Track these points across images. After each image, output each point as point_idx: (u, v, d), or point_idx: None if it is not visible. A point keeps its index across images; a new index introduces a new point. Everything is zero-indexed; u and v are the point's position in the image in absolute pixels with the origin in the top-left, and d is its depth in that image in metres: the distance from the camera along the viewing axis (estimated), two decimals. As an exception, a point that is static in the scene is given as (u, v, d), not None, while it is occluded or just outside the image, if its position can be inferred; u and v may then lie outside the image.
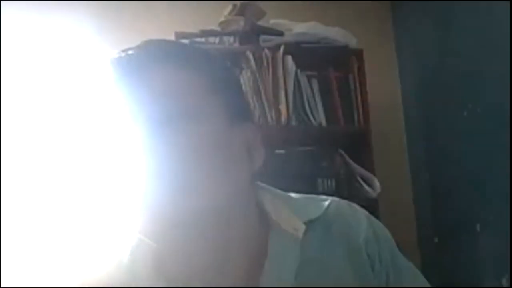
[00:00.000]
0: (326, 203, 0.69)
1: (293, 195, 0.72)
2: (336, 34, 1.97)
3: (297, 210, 0.67)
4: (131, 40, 2.25)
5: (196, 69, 0.63)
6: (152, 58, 0.62)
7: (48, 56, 2.16)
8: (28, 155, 2.05)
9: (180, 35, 1.94)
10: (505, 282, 1.57)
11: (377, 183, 1.82)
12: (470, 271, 1.80)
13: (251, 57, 1.88)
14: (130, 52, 0.65)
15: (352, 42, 2.01)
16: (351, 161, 1.92)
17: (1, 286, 1.79)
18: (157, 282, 0.63)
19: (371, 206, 1.69)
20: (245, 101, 0.72)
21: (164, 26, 2.14)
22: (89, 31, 2.12)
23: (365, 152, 1.93)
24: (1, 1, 2.05)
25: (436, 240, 2.05)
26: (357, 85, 1.97)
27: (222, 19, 1.95)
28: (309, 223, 0.65)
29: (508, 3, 1.57)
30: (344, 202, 0.72)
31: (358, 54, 2.01)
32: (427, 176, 2.17)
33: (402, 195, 2.25)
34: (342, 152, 1.95)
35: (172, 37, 1.94)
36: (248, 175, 0.64)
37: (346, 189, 1.86)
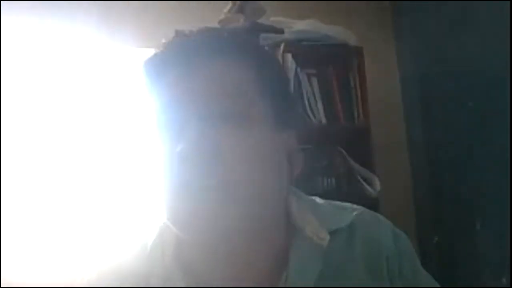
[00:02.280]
0: (354, 213, 0.69)
1: (318, 200, 0.71)
2: (336, 32, 1.97)
3: (323, 218, 0.66)
4: (132, 38, 2.25)
5: (253, 68, 0.60)
6: (209, 50, 0.59)
7: (49, 56, 2.16)
8: (45, 152, 2.06)
9: (180, 33, 1.93)
10: (505, 281, 1.57)
11: (377, 181, 1.82)
12: (470, 271, 1.80)
13: (250, 55, 1.87)
14: (183, 41, 0.63)
15: (352, 40, 2.01)
16: (351, 160, 1.92)
17: (1, 286, 1.79)
18: (174, 272, 0.62)
19: (371, 205, 1.69)
20: (291, 106, 0.68)
21: (164, 24, 2.14)
22: (89, 31, 2.12)
23: (365, 151, 1.92)
24: (1, 1, 2.04)
25: (436, 239, 2.05)
26: (357, 83, 1.97)
27: (222, 17, 1.94)
28: (333, 233, 0.64)
29: (508, 3, 1.56)
30: (370, 214, 0.71)
31: (358, 52, 2.01)
32: (427, 175, 2.16)
33: (402, 194, 2.25)
34: (342, 151, 1.95)
35: (171, 35, 1.93)
36: (287, 182, 0.63)
37: (346, 188, 1.86)
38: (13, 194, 1.99)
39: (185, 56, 0.59)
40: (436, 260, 1.98)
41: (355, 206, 0.71)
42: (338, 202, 0.72)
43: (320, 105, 1.91)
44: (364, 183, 1.84)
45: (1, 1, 2.03)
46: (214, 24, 1.94)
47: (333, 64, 1.98)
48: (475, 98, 1.79)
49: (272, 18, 1.99)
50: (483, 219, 1.74)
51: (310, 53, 1.94)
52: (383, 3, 2.46)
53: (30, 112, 2.09)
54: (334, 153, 1.91)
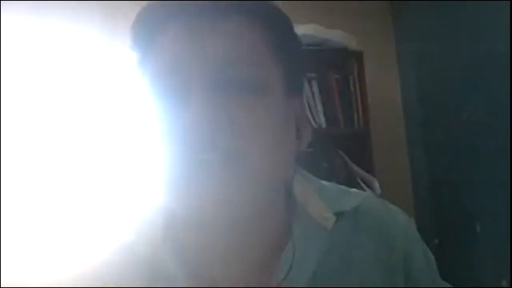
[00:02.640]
0: (360, 197, 0.65)
1: (325, 182, 0.66)
2: (336, 36, 1.98)
3: (329, 199, 0.62)
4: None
5: (266, 29, 0.54)
6: (218, 5, 0.52)
7: (50, 57, 2.17)
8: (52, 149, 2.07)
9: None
10: (505, 283, 1.57)
11: (377, 184, 1.83)
12: (470, 272, 1.81)
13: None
14: None
15: (352, 44, 2.02)
16: (351, 163, 1.93)
17: (1, 286, 1.79)
18: (164, 252, 0.59)
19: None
20: (301, 71, 0.63)
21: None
22: (89, 32, 2.13)
23: (365, 154, 1.93)
24: (1, 1, 2.05)
25: (436, 240, 2.05)
26: (357, 86, 1.98)
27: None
28: (338, 214, 0.60)
29: (508, 3, 1.57)
30: (377, 199, 0.69)
31: (358, 56, 2.02)
32: (427, 176, 2.17)
33: (402, 196, 2.26)
34: (342, 154, 1.95)
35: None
36: (295, 153, 0.58)
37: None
38: (13, 193, 2.00)
39: (190, 9, 0.52)
40: (436, 260, 1.98)
41: (361, 191, 0.68)
42: (343, 186, 0.67)
43: (320, 108, 1.92)
44: (364, 186, 1.85)
45: (1, 1, 2.04)
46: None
47: (333, 68, 1.99)
48: (475, 99, 1.80)
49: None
50: (483, 221, 1.74)
51: (310, 57, 1.95)
52: (383, 7, 2.47)
53: (31, 113, 2.09)
54: (334, 156, 1.92)
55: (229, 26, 0.52)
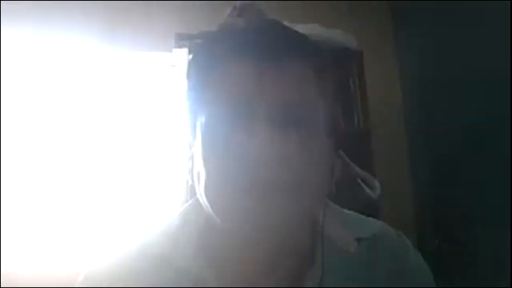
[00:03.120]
0: (377, 225, 0.72)
1: (345, 210, 0.73)
2: (336, 36, 1.98)
3: (348, 225, 0.69)
4: (132, 40, 2.27)
5: (315, 70, 0.60)
6: (277, 45, 0.58)
7: (50, 59, 2.17)
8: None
9: (180, 36, 1.94)
10: (505, 283, 1.57)
11: (377, 184, 1.82)
12: (470, 271, 1.80)
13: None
14: (247, 30, 0.61)
15: (352, 44, 2.02)
16: (351, 163, 1.92)
17: (1, 286, 1.79)
18: (197, 257, 0.63)
19: (371, 207, 1.70)
20: (339, 112, 0.69)
21: (164, 27, 2.15)
22: (89, 32, 2.13)
23: (365, 154, 1.93)
24: (1, 1, 2.05)
25: (436, 240, 2.05)
26: (357, 86, 1.98)
27: (222, 20, 1.94)
28: (359, 240, 0.68)
29: (508, 3, 1.57)
30: (392, 229, 0.75)
31: (358, 56, 2.01)
32: (427, 176, 2.17)
33: (402, 195, 2.26)
34: (342, 154, 1.95)
35: (172, 39, 1.95)
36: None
37: (346, 191, 1.86)
38: (15, 192, 2.00)
39: (253, 46, 0.58)
40: (436, 262, 1.98)
41: (376, 220, 0.74)
42: (360, 214, 0.74)
43: (320, 108, 1.92)
44: (365, 186, 1.84)
45: (1, 1, 2.04)
46: (215, 28, 1.95)
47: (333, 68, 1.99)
48: (475, 101, 1.80)
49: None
50: (483, 221, 1.74)
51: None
52: (383, 7, 2.47)
53: (31, 114, 2.10)
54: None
55: (292, 67, 0.58)
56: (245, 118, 0.56)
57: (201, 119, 0.60)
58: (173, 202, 1.90)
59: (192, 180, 0.64)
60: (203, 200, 0.60)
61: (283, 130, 0.55)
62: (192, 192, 1.84)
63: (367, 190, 1.83)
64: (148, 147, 2.20)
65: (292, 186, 0.55)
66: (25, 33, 2.10)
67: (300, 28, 2.12)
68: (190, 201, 0.71)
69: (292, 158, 0.55)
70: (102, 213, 2.08)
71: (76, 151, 2.12)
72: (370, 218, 0.74)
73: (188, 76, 0.64)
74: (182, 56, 1.85)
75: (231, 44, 0.59)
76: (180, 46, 1.89)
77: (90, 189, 2.10)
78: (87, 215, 2.07)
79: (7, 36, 2.06)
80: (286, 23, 0.65)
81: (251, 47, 0.58)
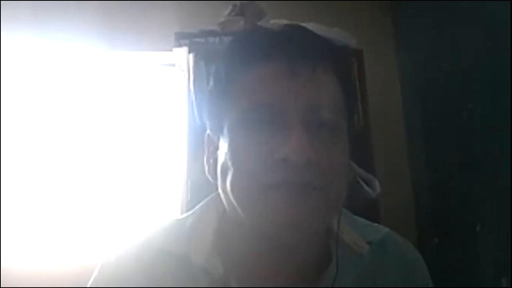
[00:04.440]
0: (385, 230, 0.75)
1: (353, 215, 0.76)
2: (336, 34, 1.97)
3: (359, 229, 0.72)
4: (131, 40, 2.27)
5: (340, 77, 0.63)
6: (309, 51, 0.60)
7: (50, 59, 2.17)
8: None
9: (179, 35, 1.94)
10: (505, 282, 1.57)
11: (377, 183, 1.82)
12: (470, 271, 1.80)
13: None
14: (281, 34, 0.62)
15: (352, 42, 2.01)
16: (351, 162, 1.92)
17: (1, 286, 1.79)
18: (212, 254, 0.64)
19: (371, 207, 1.69)
20: (355, 114, 0.72)
21: (163, 26, 2.15)
22: (89, 32, 2.13)
23: (365, 153, 1.92)
24: (1, 1, 2.05)
25: (436, 240, 2.05)
26: (357, 86, 1.97)
27: (222, 19, 1.94)
28: (368, 243, 0.70)
29: (508, 3, 1.57)
30: (398, 235, 0.78)
31: (357, 54, 2.01)
32: (427, 176, 2.17)
33: (402, 195, 2.26)
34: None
35: (171, 37, 1.95)
36: None
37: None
38: (15, 191, 2.00)
39: (283, 49, 0.59)
40: (436, 261, 1.98)
41: (380, 225, 0.77)
42: (364, 219, 0.77)
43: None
44: (364, 185, 1.84)
45: (1, 1, 2.04)
46: (214, 27, 1.95)
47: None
48: (475, 100, 1.79)
49: (273, 21, 1.99)
50: (483, 221, 1.74)
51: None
52: (383, 6, 2.47)
53: (31, 114, 2.10)
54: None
55: (322, 72, 0.60)
56: (279, 121, 0.58)
57: (230, 118, 0.61)
58: (173, 202, 1.90)
59: (214, 178, 0.65)
60: (226, 197, 0.62)
61: (314, 133, 0.58)
62: (193, 192, 1.83)
63: (367, 189, 1.83)
64: (149, 146, 2.20)
65: (321, 187, 0.58)
66: (25, 35, 2.10)
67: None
68: (206, 199, 0.72)
69: (322, 160, 0.57)
70: (102, 212, 2.08)
71: (77, 151, 2.12)
72: (376, 224, 0.77)
73: (216, 73, 0.64)
74: (182, 55, 1.85)
75: (263, 46, 0.61)
76: (180, 45, 1.89)
77: (91, 188, 2.10)
78: (88, 213, 2.07)
79: (6, 38, 2.06)
80: (285, 21, 0.66)
81: (282, 50, 0.59)
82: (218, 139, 0.64)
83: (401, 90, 2.40)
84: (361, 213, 0.78)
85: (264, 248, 0.63)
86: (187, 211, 0.74)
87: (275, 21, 1.99)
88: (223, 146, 0.62)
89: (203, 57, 1.80)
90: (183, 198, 1.69)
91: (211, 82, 0.65)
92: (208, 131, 0.68)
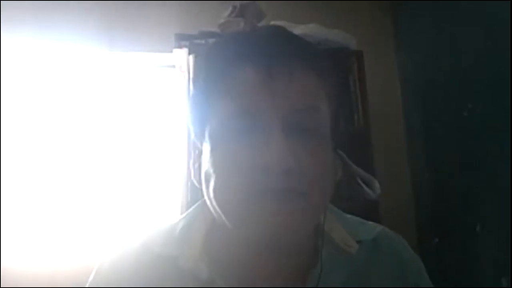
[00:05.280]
0: (378, 229, 0.74)
1: (346, 214, 0.75)
2: (336, 35, 1.97)
3: (350, 228, 0.71)
4: (131, 42, 2.27)
5: (322, 77, 0.61)
6: (288, 52, 0.59)
7: (50, 59, 2.17)
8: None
9: (179, 37, 1.94)
10: (505, 282, 1.57)
11: (376, 184, 1.82)
12: (470, 271, 1.80)
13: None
14: (259, 36, 0.61)
15: (352, 43, 2.02)
16: (350, 163, 1.92)
17: (1, 286, 1.79)
18: (202, 259, 0.64)
19: (370, 207, 1.69)
20: (340, 117, 0.70)
21: (163, 27, 2.15)
22: (88, 34, 2.13)
23: (365, 154, 1.93)
24: (1, 1, 2.05)
25: (436, 240, 2.05)
26: (357, 86, 1.97)
27: (222, 20, 1.94)
28: (358, 243, 0.69)
29: (508, 3, 1.57)
30: (393, 232, 0.77)
31: (358, 55, 2.01)
32: (427, 176, 2.17)
33: (402, 195, 2.25)
34: (342, 154, 1.95)
35: (171, 39, 1.95)
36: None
37: (345, 191, 1.86)
38: (15, 191, 2.00)
39: (261, 52, 0.58)
40: (436, 261, 1.98)
41: (377, 224, 0.76)
42: (360, 218, 0.76)
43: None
44: (364, 186, 1.84)
45: (1, 1, 2.04)
46: (214, 28, 1.95)
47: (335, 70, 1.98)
48: (475, 100, 1.79)
49: (272, 22, 2.00)
50: (483, 221, 1.74)
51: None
52: (383, 6, 2.47)
53: (31, 113, 2.10)
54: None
55: (300, 73, 0.58)
56: (259, 128, 0.57)
57: (211, 125, 0.60)
58: (173, 202, 1.90)
59: (199, 183, 0.65)
60: (211, 203, 0.61)
61: (296, 139, 0.57)
62: (193, 192, 1.83)
63: (367, 190, 1.83)
64: (149, 147, 2.20)
65: (304, 192, 0.57)
66: (25, 35, 2.10)
67: (300, 28, 2.12)
68: (198, 203, 0.73)
69: (304, 166, 0.57)
70: (102, 212, 2.08)
71: (77, 151, 2.12)
72: (371, 222, 0.76)
73: (196, 80, 0.66)
74: (182, 57, 1.85)
75: (240, 50, 0.60)
76: (180, 46, 1.89)
77: (91, 188, 2.10)
78: (88, 214, 2.07)
79: (6, 38, 2.06)
80: (285, 22, 0.66)
81: (258, 53, 0.58)
82: (201, 143, 0.64)
83: (401, 90, 2.40)
84: (361, 213, 0.78)
85: (251, 253, 0.64)
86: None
87: (275, 23, 2.00)
88: (206, 152, 0.61)
89: (203, 58, 1.80)
90: (183, 199, 1.69)
91: (192, 89, 0.65)
92: (192, 136, 0.67)
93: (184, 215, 0.72)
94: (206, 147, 0.61)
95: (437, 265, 1.95)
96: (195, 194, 1.63)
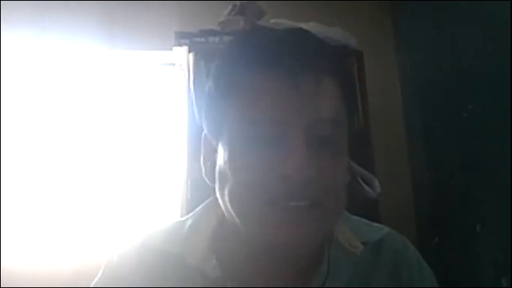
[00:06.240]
0: (384, 231, 0.74)
1: (352, 216, 0.76)
2: (336, 33, 1.97)
3: (355, 229, 0.71)
4: (131, 40, 2.27)
5: (342, 86, 0.62)
6: (309, 58, 0.58)
7: (50, 59, 2.16)
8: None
9: (179, 35, 1.94)
10: (505, 282, 1.57)
11: (377, 183, 1.82)
12: (470, 271, 1.80)
13: (251, 57, 1.87)
14: (280, 38, 0.60)
15: (352, 42, 2.01)
16: (351, 162, 1.92)
17: (1, 286, 1.79)
18: (208, 258, 0.65)
19: (370, 207, 1.69)
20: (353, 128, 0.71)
21: (163, 25, 2.15)
22: (88, 31, 2.13)
23: (365, 153, 1.92)
24: (1, 1, 2.05)
25: (436, 240, 2.05)
26: (357, 86, 1.97)
27: (222, 18, 1.94)
28: (364, 244, 0.70)
29: (508, 3, 1.56)
30: (399, 235, 0.77)
31: (358, 55, 2.01)
32: (427, 176, 2.16)
33: (402, 195, 2.25)
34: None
35: (171, 37, 1.94)
36: None
37: (346, 190, 1.86)
38: (15, 191, 2.00)
39: (293, 59, 0.57)
40: (436, 261, 1.98)
41: (383, 226, 0.77)
42: (366, 220, 0.77)
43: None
44: (364, 185, 1.84)
45: (1, 1, 2.04)
46: (214, 26, 1.95)
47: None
48: (475, 100, 1.79)
49: (272, 20, 2.00)
50: (483, 221, 1.74)
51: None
52: (383, 6, 2.47)
53: (31, 113, 2.10)
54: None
55: (327, 86, 0.58)
56: (281, 137, 0.57)
57: (232, 127, 0.59)
58: (173, 201, 1.90)
59: (212, 181, 0.64)
60: (225, 205, 0.61)
61: (316, 149, 0.57)
62: (193, 190, 1.83)
63: (367, 189, 1.83)
64: (149, 146, 2.20)
65: (321, 203, 0.57)
66: (25, 34, 2.10)
67: (300, 26, 2.11)
68: (206, 202, 0.73)
69: (323, 178, 0.57)
70: (102, 211, 2.08)
71: (77, 150, 2.12)
72: (376, 224, 0.76)
73: (216, 77, 0.62)
74: (182, 55, 1.85)
75: (266, 51, 0.58)
76: (180, 45, 1.89)
77: (91, 187, 2.10)
78: (88, 213, 2.07)
79: (5, 36, 2.06)
80: (285, 21, 0.65)
81: (285, 58, 0.57)
82: (217, 142, 0.63)
83: (401, 90, 2.40)
84: (361, 213, 0.78)
85: (261, 255, 0.64)
86: (187, 210, 0.75)
87: (275, 21, 2.00)
88: (223, 153, 0.60)
89: (203, 56, 1.80)
90: (183, 197, 1.69)
91: (210, 82, 0.63)
92: (205, 132, 0.66)
93: (192, 213, 0.72)
94: (224, 148, 0.60)
95: (437, 265, 1.95)
96: (195, 193, 1.63)
